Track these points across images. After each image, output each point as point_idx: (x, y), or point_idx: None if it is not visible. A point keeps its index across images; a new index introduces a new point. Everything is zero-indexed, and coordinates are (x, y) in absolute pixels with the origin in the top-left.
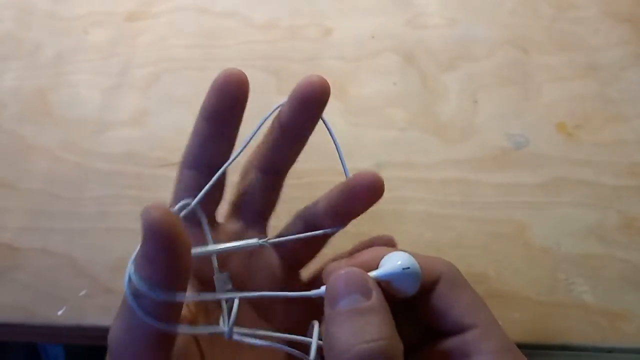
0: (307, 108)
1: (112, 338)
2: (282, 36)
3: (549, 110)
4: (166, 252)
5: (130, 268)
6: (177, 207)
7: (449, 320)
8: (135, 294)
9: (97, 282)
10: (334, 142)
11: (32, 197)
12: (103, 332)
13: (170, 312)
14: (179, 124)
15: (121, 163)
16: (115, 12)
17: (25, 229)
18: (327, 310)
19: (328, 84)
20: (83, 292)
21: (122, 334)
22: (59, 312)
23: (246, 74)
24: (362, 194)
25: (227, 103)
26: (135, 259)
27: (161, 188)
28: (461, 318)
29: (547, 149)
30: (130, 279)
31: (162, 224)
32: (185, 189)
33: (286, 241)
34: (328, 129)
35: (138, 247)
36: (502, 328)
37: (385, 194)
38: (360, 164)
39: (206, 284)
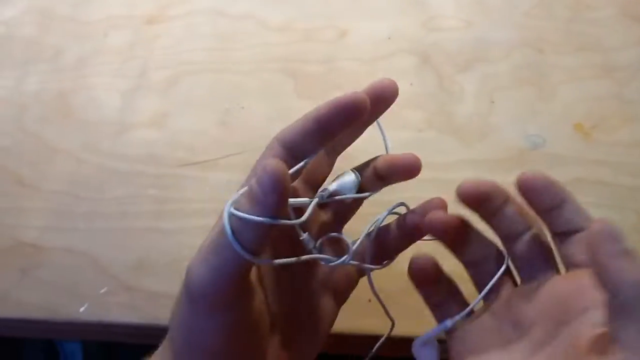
0: (376, 104)
1: (194, 282)
2: (298, 38)
3: (566, 111)
4: (276, 190)
5: (229, 207)
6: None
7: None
8: (234, 230)
9: (118, 280)
10: (383, 139)
11: (56, 197)
12: (124, 328)
13: (262, 248)
14: (197, 125)
15: (141, 164)
16: (133, 15)
17: (49, 229)
18: (606, 248)
19: (397, 86)
20: (104, 290)
21: (208, 274)
22: (81, 309)
23: (263, 76)
24: (404, 168)
25: (340, 123)
26: (237, 201)
27: (181, 188)
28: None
29: (564, 149)
30: (229, 217)
31: (277, 170)
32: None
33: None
34: (380, 130)
35: (238, 193)
36: None
37: (402, 195)
38: None
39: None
